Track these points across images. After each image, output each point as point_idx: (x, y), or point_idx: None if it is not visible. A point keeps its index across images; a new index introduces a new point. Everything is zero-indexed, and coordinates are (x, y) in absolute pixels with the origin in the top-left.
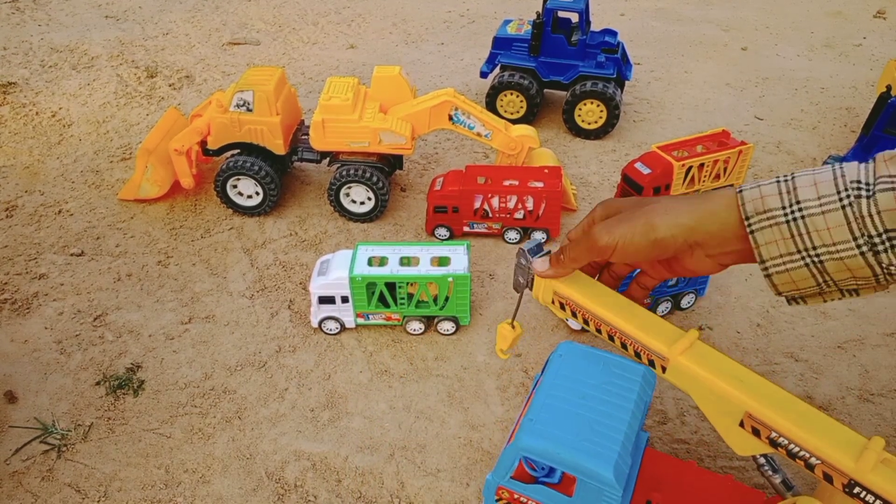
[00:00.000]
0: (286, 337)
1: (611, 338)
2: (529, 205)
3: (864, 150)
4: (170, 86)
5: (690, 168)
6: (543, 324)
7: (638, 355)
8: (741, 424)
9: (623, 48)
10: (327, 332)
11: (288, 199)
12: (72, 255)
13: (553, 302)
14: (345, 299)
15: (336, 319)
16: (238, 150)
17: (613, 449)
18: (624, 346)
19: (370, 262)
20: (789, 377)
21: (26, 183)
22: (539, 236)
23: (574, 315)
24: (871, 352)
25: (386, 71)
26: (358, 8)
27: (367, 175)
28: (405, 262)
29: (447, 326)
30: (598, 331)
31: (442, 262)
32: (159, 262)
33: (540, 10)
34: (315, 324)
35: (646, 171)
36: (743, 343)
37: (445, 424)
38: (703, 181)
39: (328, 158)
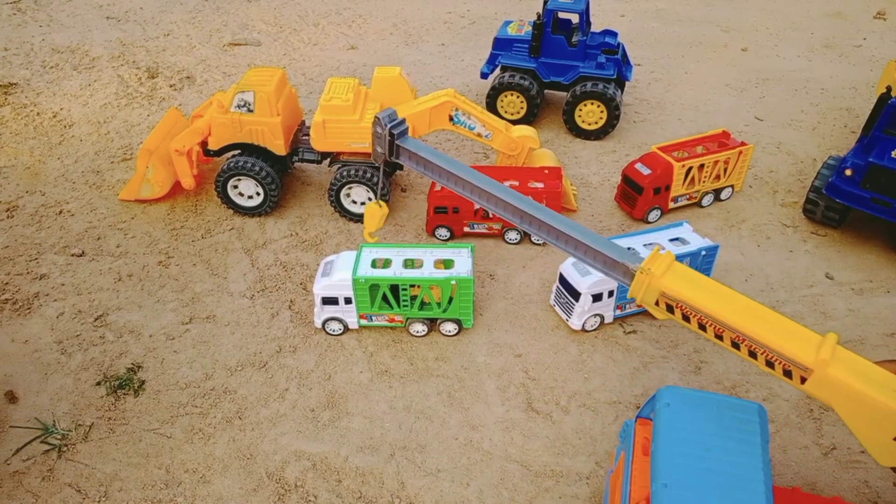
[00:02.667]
0: (287, 337)
1: (735, 345)
2: None
3: (864, 150)
4: (171, 86)
5: (690, 168)
6: (543, 324)
7: (770, 365)
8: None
9: (623, 49)
10: (330, 332)
11: (288, 199)
12: (73, 255)
13: (657, 303)
14: (348, 300)
15: (339, 320)
16: (239, 151)
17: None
18: (753, 354)
19: (374, 264)
20: None
21: (27, 183)
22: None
23: (686, 319)
24: (871, 352)
25: (386, 72)
26: (358, 9)
27: (368, 175)
28: (409, 264)
29: (450, 328)
30: (719, 337)
31: (446, 264)
32: (160, 262)
33: (540, 11)
34: (318, 324)
35: (646, 171)
36: None
37: (445, 424)
38: (704, 182)
39: (329, 159)
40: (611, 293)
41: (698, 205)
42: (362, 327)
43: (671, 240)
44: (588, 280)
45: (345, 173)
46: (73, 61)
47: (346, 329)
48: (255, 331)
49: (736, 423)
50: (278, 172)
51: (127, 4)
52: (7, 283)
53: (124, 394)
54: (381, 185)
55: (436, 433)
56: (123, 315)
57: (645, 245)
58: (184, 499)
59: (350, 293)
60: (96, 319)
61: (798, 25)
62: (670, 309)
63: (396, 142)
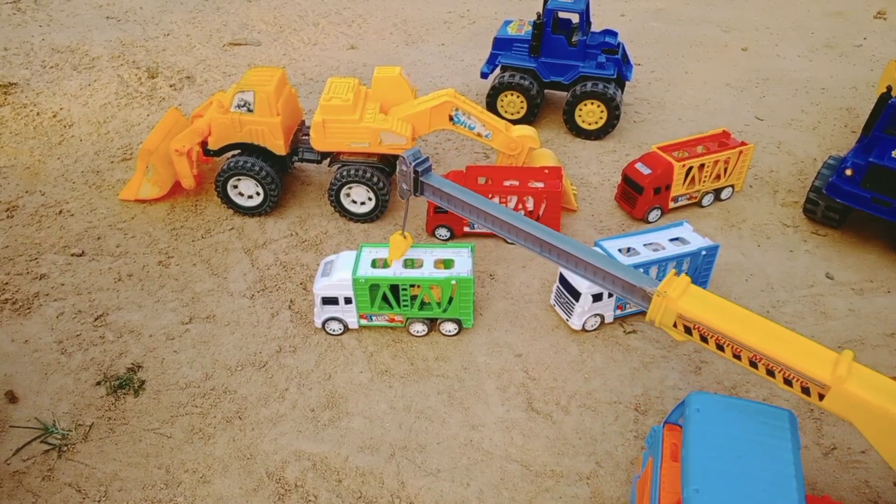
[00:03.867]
0: (287, 337)
1: (753, 364)
2: (530, 205)
3: (864, 150)
4: (170, 86)
5: (691, 168)
6: (543, 324)
7: (788, 383)
8: None
9: (623, 49)
10: (330, 332)
11: (288, 199)
12: (72, 255)
13: (675, 325)
14: (348, 300)
15: (339, 320)
16: (239, 151)
17: None
18: (770, 373)
19: (374, 265)
20: None
21: (27, 183)
22: None
23: (704, 340)
24: (872, 352)
25: (386, 71)
26: (358, 9)
27: (368, 175)
28: (409, 264)
29: (450, 328)
30: (737, 357)
31: (446, 264)
32: (160, 262)
33: (540, 11)
34: (318, 324)
35: (646, 171)
36: None
37: (446, 424)
38: (704, 181)
39: (329, 159)
40: (611, 293)
41: (698, 204)
42: (362, 327)
43: (671, 240)
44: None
45: (345, 173)
46: (72, 61)
47: (347, 329)
48: (255, 331)
49: (767, 430)
50: (278, 172)
51: (127, 4)
52: (7, 283)
53: (124, 394)
54: (405, 217)
55: (436, 433)
56: (123, 315)
57: (645, 245)
58: (184, 499)
59: (350, 293)
60: (96, 319)
61: (798, 25)
62: (688, 331)
63: (421, 179)
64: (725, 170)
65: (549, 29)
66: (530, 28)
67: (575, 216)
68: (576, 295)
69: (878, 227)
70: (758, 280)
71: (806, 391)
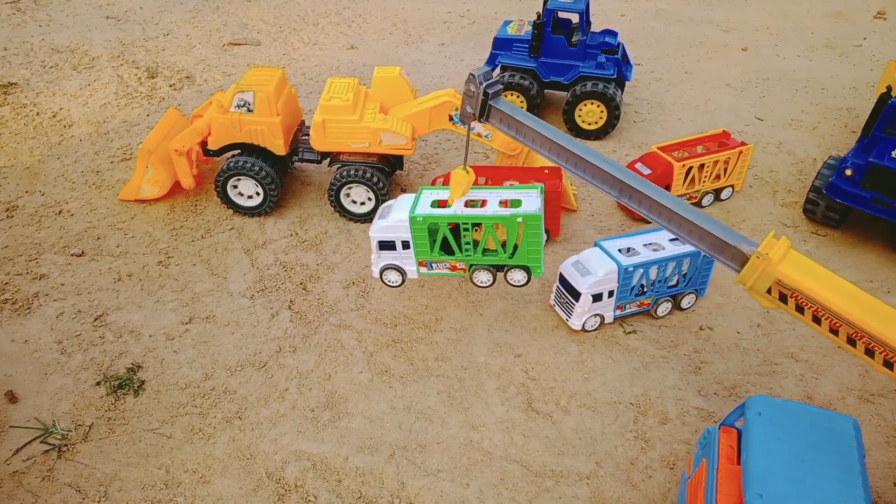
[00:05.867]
0: (286, 337)
1: (850, 341)
2: None
3: (864, 150)
4: (170, 86)
5: (691, 168)
6: (543, 324)
7: (888, 365)
8: None
9: (623, 49)
10: (389, 284)
11: (288, 199)
12: (72, 255)
13: (769, 291)
14: (406, 245)
15: (398, 269)
16: (238, 151)
17: None
18: (869, 352)
19: (434, 205)
20: (790, 377)
21: (27, 183)
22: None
23: (799, 310)
24: None
25: (386, 71)
26: (358, 9)
27: (368, 175)
28: (472, 204)
29: (518, 277)
30: (833, 331)
31: (513, 204)
32: (160, 262)
33: (540, 11)
34: (376, 273)
35: (646, 171)
36: (743, 343)
37: (445, 425)
38: (704, 181)
39: (329, 159)
40: (611, 293)
41: (698, 205)
42: (423, 276)
43: (672, 240)
44: (588, 280)
45: (345, 173)
46: (72, 61)
47: (406, 279)
48: (254, 331)
49: (831, 437)
50: (278, 172)
51: (127, 4)
52: (7, 283)
53: (124, 394)
54: (466, 150)
55: (436, 433)
56: (123, 315)
57: (645, 245)
58: (183, 499)
59: (408, 236)
60: (96, 319)
61: (798, 25)
62: (783, 299)
63: (490, 102)
64: (725, 170)
65: (549, 29)
66: (530, 28)
67: (575, 216)
68: (576, 295)
69: (878, 227)
70: None
71: None
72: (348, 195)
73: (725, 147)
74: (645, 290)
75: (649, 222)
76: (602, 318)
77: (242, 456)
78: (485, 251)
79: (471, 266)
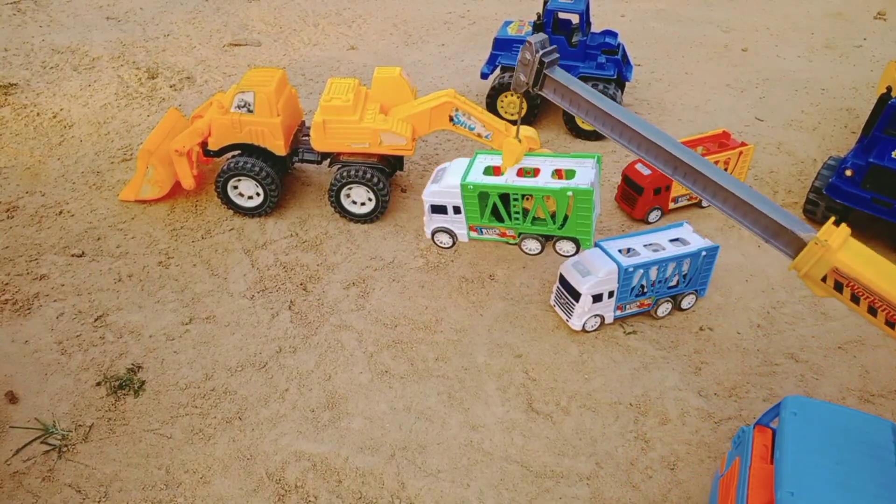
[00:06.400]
0: (287, 338)
1: None
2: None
3: (864, 150)
4: (171, 87)
5: None
6: (543, 324)
7: None
8: None
9: (623, 49)
10: (440, 245)
11: (288, 199)
12: (73, 255)
13: (824, 279)
14: (457, 210)
15: (449, 232)
16: (239, 151)
17: None
18: None
19: (487, 171)
20: (790, 378)
21: (27, 184)
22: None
23: (854, 300)
24: (872, 353)
25: (386, 72)
26: (358, 9)
27: (368, 176)
28: (526, 172)
29: (567, 248)
30: (890, 324)
31: (567, 175)
32: (160, 262)
33: (540, 12)
34: (428, 234)
35: (646, 171)
36: (743, 344)
37: (446, 425)
38: None
39: (329, 159)
40: (611, 294)
41: (698, 205)
42: (472, 240)
43: (672, 240)
44: (588, 281)
45: (345, 174)
46: (72, 62)
47: (456, 241)
48: (255, 331)
49: (867, 439)
50: (278, 173)
51: (127, 4)
52: (7, 284)
53: (124, 394)
54: (519, 120)
55: (436, 434)
56: (123, 315)
57: (645, 245)
58: (184, 499)
59: (459, 201)
60: (96, 320)
61: (798, 25)
62: (838, 287)
63: (545, 71)
64: (725, 170)
65: (549, 29)
66: (530, 29)
67: None
68: (576, 295)
69: (878, 228)
70: (758, 281)
71: None
72: (348, 196)
73: (725, 147)
74: (645, 290)
75: (651, 223)
76: (602, 318)
77: (243, 456)
78: (534, 220)
79: (520, 234)
